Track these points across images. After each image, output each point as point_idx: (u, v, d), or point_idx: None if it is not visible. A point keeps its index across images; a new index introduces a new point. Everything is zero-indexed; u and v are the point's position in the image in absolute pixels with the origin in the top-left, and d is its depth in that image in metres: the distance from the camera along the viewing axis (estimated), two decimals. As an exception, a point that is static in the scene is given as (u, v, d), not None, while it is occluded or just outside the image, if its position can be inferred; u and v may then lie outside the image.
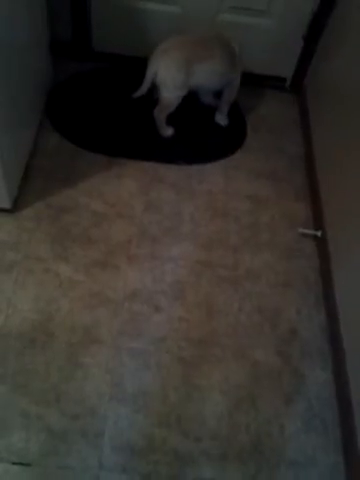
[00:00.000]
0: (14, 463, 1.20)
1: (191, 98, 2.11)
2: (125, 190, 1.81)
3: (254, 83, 2.30)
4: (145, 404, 1.33)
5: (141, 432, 1.29)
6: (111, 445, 1.26)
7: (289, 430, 1.33)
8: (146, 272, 1.60)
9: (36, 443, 1.24)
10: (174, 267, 1.63)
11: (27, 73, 1.70)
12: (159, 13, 2.09)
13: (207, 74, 1.88)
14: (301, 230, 1.75)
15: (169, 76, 1.81)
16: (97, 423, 1.29)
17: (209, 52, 1.84)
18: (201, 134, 2.07)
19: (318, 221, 1.77)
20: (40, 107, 1.96)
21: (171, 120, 1.99)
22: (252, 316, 1.54)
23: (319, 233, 1.71)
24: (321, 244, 1.71)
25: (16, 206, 1.67)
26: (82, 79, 2.19)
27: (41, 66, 1.93)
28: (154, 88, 1.87)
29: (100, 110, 2.08)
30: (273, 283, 1.63)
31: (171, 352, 1.43)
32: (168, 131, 2.00)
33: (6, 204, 1.62)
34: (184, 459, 1.26)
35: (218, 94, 2.07)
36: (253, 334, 1.50)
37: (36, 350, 1.39)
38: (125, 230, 1.70)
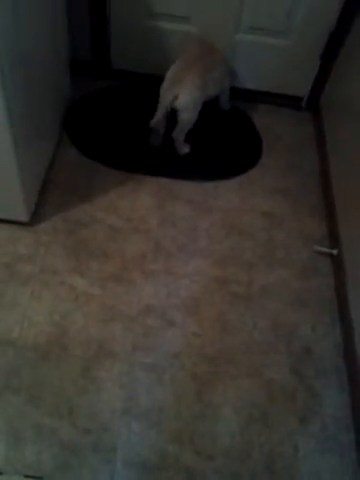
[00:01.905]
0: (27, 476, 1.20)
1: (206, 117, 2.13)
2: (141, 205, 1.83)
3: (270, 102, 2.31)
4: (158, 420, 1.32)
5: (153, 448, 1.28)
6: (123, 461, 1.25)
7: (303, 451, 1.31)
8: (161, 287, 1.61)
9: (48, 456, 1.24)
10: (188, 283, 1.63)
11: (47, 89, 1.74)
12: (176, 33, 2.12)
13: (216, 81, 1.96)
14: (317, 248, 1.75)
15: (191, 100, 1.84)
16: (110, 438, 1.28)
17: (214, 59, 1.94)
18: (217, 151, 2.09)
19: (334, 239, 1.77)
20: (59, 122, 2.00)
21: (188, 138, 2.01)
22: (266, 333, 1.54)
23: (335, 251, 1.71)
24: (337, 262, 1.70)
25: (34, 220, 1.70)
26: (100, 96, 2.23)
27: (61, 83, 1.97)
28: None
29: (117, 126, 2.10)
30: (288, 300, 1.63)
31: (185, 368, 1.43)
32: (186, 149, 2.02)
33: (24, 217, 1.65)
34: (196, 477, 1.25)
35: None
36: (267, 352, 1.49)
37: (50, 363, 1.40)
38: (140, 245, 1.71)
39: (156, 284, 1.61)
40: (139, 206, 1.82)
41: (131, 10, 2.07)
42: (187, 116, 1.88)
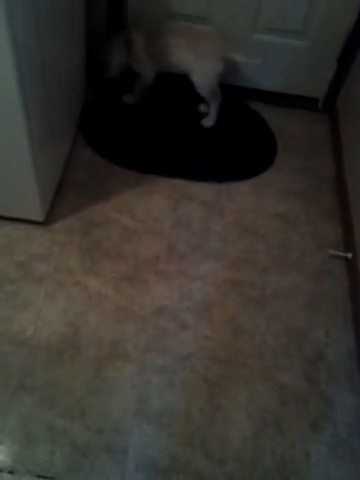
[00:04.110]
0: (38, 476, 1.20)
1: (224, 119, 2.13)
2: (155, 206, 1.83)
3: (286, 103, 2.30)
4: (170, 423, 1.32)
5: (165, 451, 1.28)
6: (135, 462, 1.25)
7: (315, 457, 1.31)
8: (173, 289, 1.61)
9: (60, 457, 1.24)
10: (201, 284, 1.63)
11: (64, 89, 1.75)
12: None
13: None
14: (331, 251, 1.73)
15: None
16: (121, 439, 1.29)
17: None
18: (231, 152, 2.08)
19: (348, 243, 1.75)
20: (75, 123, 2.01)
21: (203, 138, 2.01)
22: (279, 337, 1.53)
23: (349, 255, 1.69)
24: (351, 266, 1.69)
25: (49, 219, 1.70)
26: (116, 96, 2.23)
27: (77, 82, 1.98)
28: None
29: (132, 126, 2.10)
30: (301, 304, 1.62)
31: (196, 371, 1.43)
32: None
33: (39, 217, 1.66)
34: (207, 481, 1.25)
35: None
36: (280, 356, 1.49)
37: (63, 363, 1.40)
38: (154, 246, 1.71)
39: (169, 285, 1.61)
40: (153, 207, 1.82)
41: (149, 10, 2.07)
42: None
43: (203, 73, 1.97)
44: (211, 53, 1.94)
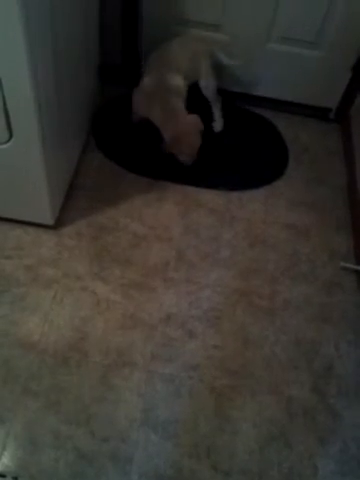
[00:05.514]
0: (42, 483, 1.20)
1: (236, 127, 2.13)
2: (165, 213, 1.82)
3: (298, 112, 2.29)
4: (175, 432, 1.31)
5: (170, 461, 1.26)
6: (139, 472, 1.24)
7: (323, 471, 1.29)
8: (182, 297, 1.59)
9: (65, 464, 1.23)
10: (210, 293, 1.62)
11: (77, 93, 1.75)
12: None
13: None
14: (342, 264, 1.71)
15: None
16: (126, 448, 1.27)
17: None
18: (243, 161, 2.07)
19: (360, 255, 1.74)
20: (86, 127, 2.01)
21: (214, 146, 2.00)
22: (288, 349, 1.51)
23: (361, 268, 1.68)
24: (362, 279, 1.67)
25: (58, 223, 1.70)
26: (128, 100, 2.23)
27: (90, 86, 1.98)
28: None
29: (144, 132, 2.10)
30: (310, 316, 1.60)
31: (204, 381, 1.41)
32: None
33: (49, 221, 1.65)
34: (212, 493, 1.23)
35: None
36: (288, 368, 1.47)
37: (70, 368, 1.39)
38: (163, 253, 1.70)
39: (177, 293, 1.60)
40: (163, 214, 1.82)
41: (163, 16, 2.07)
42: None
43: (209, 75, 2.02)
44: (206, 54, 2.01)
